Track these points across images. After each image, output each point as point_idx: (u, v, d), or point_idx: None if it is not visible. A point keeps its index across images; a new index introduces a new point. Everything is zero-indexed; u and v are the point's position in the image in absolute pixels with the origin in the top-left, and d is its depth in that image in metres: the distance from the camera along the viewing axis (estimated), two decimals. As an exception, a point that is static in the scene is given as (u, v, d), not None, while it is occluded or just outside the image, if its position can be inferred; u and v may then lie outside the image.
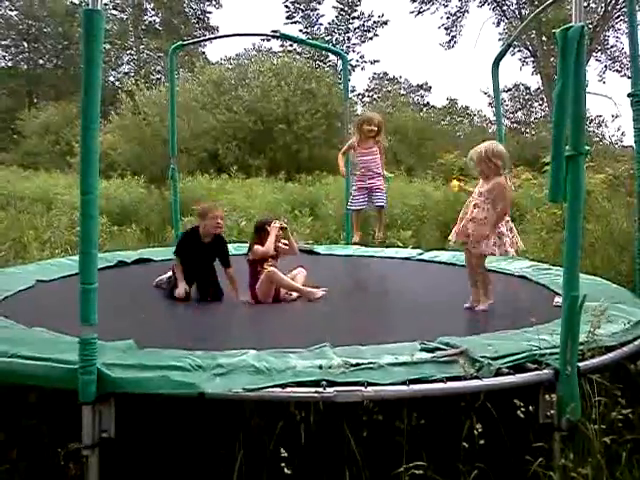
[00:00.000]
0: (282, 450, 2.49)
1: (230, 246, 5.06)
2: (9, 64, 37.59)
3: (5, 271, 5.29)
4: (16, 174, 18.00)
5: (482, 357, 2.70)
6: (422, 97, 38.98)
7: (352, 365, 2.63)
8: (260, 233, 4.66)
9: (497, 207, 4.05)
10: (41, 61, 38.72)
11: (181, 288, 4.59)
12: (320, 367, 2.62)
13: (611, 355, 2.96)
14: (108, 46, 34.74)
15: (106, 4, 33.08)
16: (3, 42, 37.07)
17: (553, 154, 2.56)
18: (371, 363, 2.66)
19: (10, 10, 37.04)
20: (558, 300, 3.65)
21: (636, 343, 3.16)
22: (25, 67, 38.25)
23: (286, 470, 2.48)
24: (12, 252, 7.49)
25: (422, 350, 2.83)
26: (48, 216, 10.07)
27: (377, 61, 38.82)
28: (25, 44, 37.89)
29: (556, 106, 2.55)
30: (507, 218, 4.21)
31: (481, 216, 4.09)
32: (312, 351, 2.83)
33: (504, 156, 4.11)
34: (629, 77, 4.27)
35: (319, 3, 37.14)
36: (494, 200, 4.06)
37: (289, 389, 2.52)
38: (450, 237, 4.41)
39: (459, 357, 2.73)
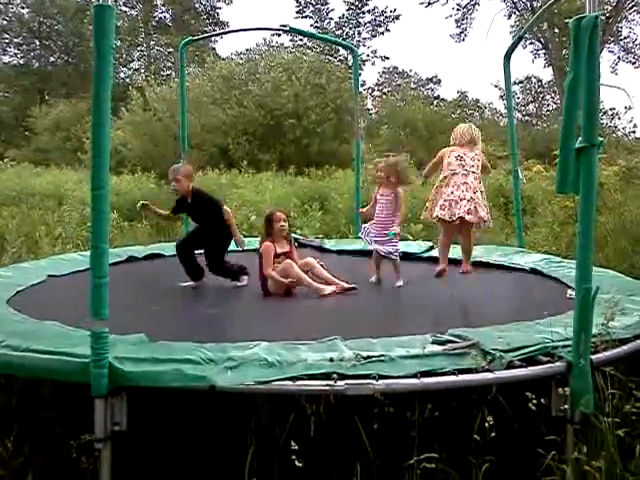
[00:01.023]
0: (293, 443, 2.49)
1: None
2: (21, 62, 37.78)
3: (17, 266, 5.33)
4: (28, 170, 18.10)
5: (494, 350, 2.69)
6: (432, 90, 38.79)
7: (363, 358, 2.63)
8: (267, 226, 4.68)
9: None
10: (52, 58, 38.86)
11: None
12: (331, 360, 2.62)
13: (625, 348, 2.93)
14: (119, 43, 34.81)
15: (116, 0, 33.16)
16: (15, 40, 37.25)
17: (561, 145, 2.54)
18: (382, 356, 2.65)
19: (22, 8, 37.22)
20: (571, 293, 3.63)
21: (650, 335, 3.13)
22: (36, 64, 38.42)
23: (297, 463, 2.48)
24: (24, 248, 7.54)
25: (434, 343, 2.82)
26: (59, 212, 10.12)
27: (387, 58, 38.45)
28: (36, 42, 38.07)
29: (566, 96, 2.53)
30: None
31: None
32: (323, 343, 2.84)
33: None
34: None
35: (329, -3, 37.03)
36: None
37: (300, 382, 2.52)
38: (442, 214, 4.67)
39: (471, 349, 2.72)
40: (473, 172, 4.63)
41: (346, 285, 4.57)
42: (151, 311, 4.04)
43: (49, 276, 4.95)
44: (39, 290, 4.57)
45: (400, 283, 4.81)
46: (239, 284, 4.94)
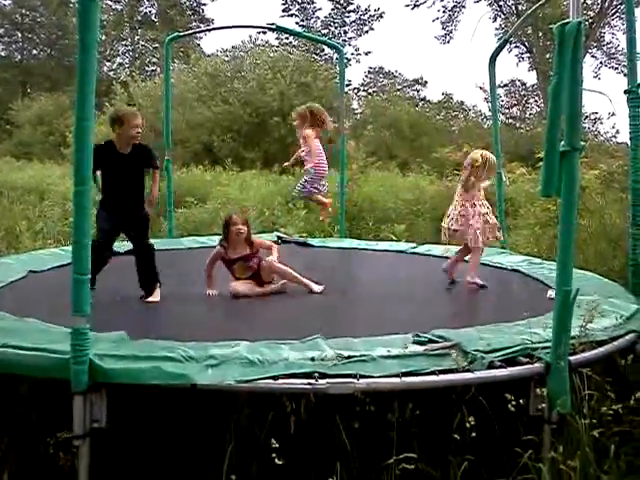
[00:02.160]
0: (273, 441, 2.49)
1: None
2: (2, 54, 37.33)
3: (-3, 261, 5.27)
4: (9, 164, 17.89)
5: (475, 350, 2.72)
6: (418, 92, 38.90)
7: (344, 357, 2.64)
8: (224, 230, 4.55)
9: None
10: (35, 51, 38.45)
11: None
12: (312, 359, 2.63)
13: (602, 349, 2.98)
14: (103, 37, 34.50)
15: (101, -6, 32.83)
16: (-3, 32, 36.81)
17: (546, 149, 2.57)
18: (363, 355, 2.67)
19: (4, 0, 36.78)
20: (551, 293, 3.67)
21: (627, 338, 3.18)
22: (19, 57, 37.97)
23: (277, 461, 2.49)
24: (4, 243, 7.46)
25: (415, 343, 2.84)
26: (41, 207, 10.02)
27: (370, 52, 38.58)
28: (19, 34, 37.61)
29: (551, 101, 2.56)
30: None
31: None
32: (305, 343, 2.84)
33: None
34: (625, 74, 4.28)
35: (316, -4, 37.00)
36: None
37: (281, 381, 2.52)
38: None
39: (452, 350, 2.74)
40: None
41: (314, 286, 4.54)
42: (132, 308, 4.02)
43: (30, 271, 4.90)
44: (19, 286, 4.51)
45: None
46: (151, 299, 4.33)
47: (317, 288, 4.50)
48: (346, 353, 2.67)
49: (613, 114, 27.09)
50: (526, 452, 2.53)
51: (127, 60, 38.33)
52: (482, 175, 4.77)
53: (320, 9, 37.37)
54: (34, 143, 26.20)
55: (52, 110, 27.16)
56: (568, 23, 2.50)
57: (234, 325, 3.74)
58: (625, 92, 4.22)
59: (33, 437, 2.78)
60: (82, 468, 2.47)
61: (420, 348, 2.78)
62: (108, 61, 37.09)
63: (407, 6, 30.60)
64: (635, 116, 4.20)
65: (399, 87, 37.50)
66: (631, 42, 4.22)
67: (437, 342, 2.83)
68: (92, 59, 2.43)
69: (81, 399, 2.46)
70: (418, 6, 30.59)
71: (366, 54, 38.69)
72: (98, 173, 4.22)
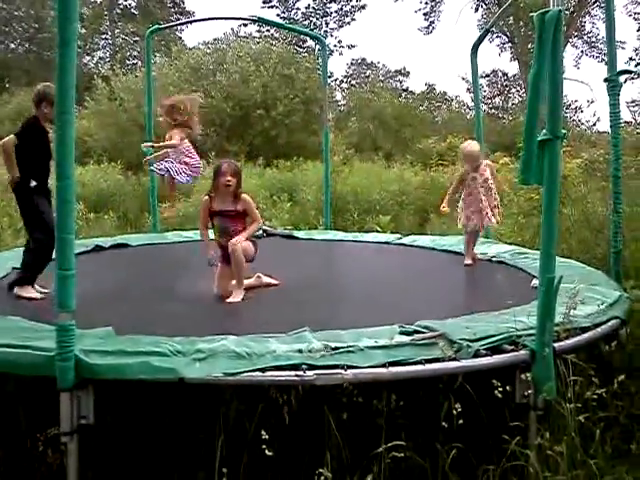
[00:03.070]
0: (263, 432, 2.50)
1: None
2: (-20, 48, 36.74)
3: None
4: (-11, 161, 17.65)
5: (460, 339, 2.74)
6: (400, 83, 38.91)
7: (332, 349, 2.65)
8: (213, 179, 4.26)
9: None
10: (12, 45, 37.86)
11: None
12: (300, 351, 2.63)
13: (585, 336, 3.02)
14: (83, 30, 34.06)
15: (79, -13, 32.38)
16: (-27, 25, 36.18)
17: (525, 137, 2.59)
18: (350, 346, 2.68)
19: (-20, -6, 36.13)
20: (535, 282, 3.70)
21: (610, 324, 3.23)
22: (-4, 52, 37.39)
23: (267, 452, 2.49)
24: (-14, 240, 7.38)
25: (401, 333, 2.86)
26: (23, 203, 9.89)
27: (354, 46, 38.48)
28: (-5, 28, 37.02)
29: (530, 89, 2.58)
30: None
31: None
32: (292, 336, 2.84)
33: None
34: (606, 63, 4.32)
35: (297, -14, 36.79)
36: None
37: (269, 373, 2.53)
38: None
39: (438, 339, 2.76)
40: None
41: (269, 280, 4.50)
42: (117, 304, 3.99)
43: (13, 268, 4.84)
44: (2, 283, 4.47)
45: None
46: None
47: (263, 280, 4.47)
48: (333, 344, 2.68)
49: (593, 102, 27.29)
50: (513, 439, 2.56)
51: (108, 54, 37.89)
52: (466, 165, 4.97)
53: (300, 0, 37.11)
54: (14, 139, 25.85)
55: (31, 105, 26.82)
56: (548, 12, 2.52)
57: (220, 319, 3.73)
58: (605, 80, 4.26)
59: (21, 435, 2.76)
60: (71, 465, 2.46)
61: (406, 338, 2.79)
62: (88, 55, 36.63)
63: (389, -4, 30.56)
64: (614, 104, 4.25)
65: (382, 78, 37.47)
66: (610, 31, 4.25)
67: (423, 332, 2.85)
68: (72, 53, 2.40)
69: (68, 396, 2.45)
70: (401, -3, 30.56)
71: (349, 47, 38.59)
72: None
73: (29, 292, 4.08)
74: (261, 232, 7.24)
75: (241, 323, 3.53)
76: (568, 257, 4.82)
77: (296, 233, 7.26)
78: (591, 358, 3.06)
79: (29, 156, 4.16)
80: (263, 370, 2.53)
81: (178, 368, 2.49)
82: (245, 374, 2.50)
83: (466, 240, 5.27)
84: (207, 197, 4.26)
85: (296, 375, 2.52)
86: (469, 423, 2.65)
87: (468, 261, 5.19)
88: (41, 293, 4.09)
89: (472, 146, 5.23)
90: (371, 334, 2.84)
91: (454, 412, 2.58)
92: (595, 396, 2.73)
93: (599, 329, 3.13)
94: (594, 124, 26.73)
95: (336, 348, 2.66)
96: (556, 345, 2.74)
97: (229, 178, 4.15)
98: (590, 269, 4.47)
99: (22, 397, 2.93)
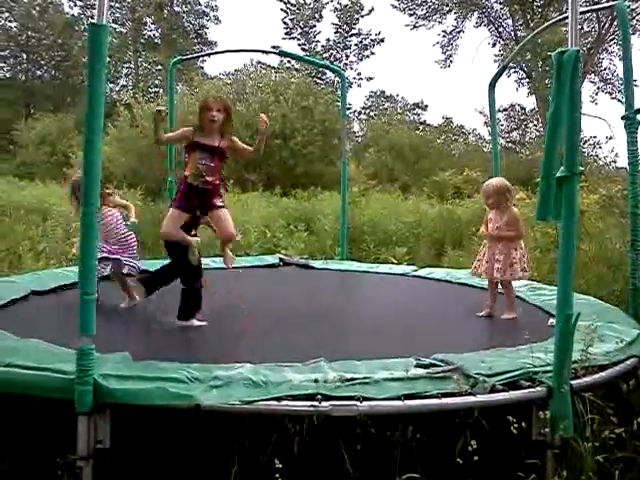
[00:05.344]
0: (277, 462, 2.49)
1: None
2: (7, 75, 37.68)
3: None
4: (12, 184, 17.97)
5: (476, 374, 2.73)
6: (418, 115, 39.24)
7: (347, 380, 2.65)
8: (199, 116, 3.97)
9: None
10: (39, 72, 38.83)
11: None
12: (315, 381, 2.64)
13: (603, 374, 2.98)
14: (108, 59, 34.89)
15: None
16: (1, 53, 37.18)
17: (543, 173, 2.61)
18: (366, 378, 2.68)
19: (9, 21, 37.20)
20: (552, 321, 3.68)
21: (628, 362, 3.19)
22: (23, 78, 38.34)
23: (280, 483, 2.48)
24: (6, 263, 7.47)
25: (417, 366, 2.85)
26: (44, 226, 10.04)
27: (372, 78, 38.97)
28: (24, 55, 38.03)
29: (549, 127, 2.61)
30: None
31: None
32: (308, 366, 2.85)
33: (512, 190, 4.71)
34: (619, 100, 4.36)
35: (318, 21, 37.45)
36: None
37: (284, 402, 2.53)
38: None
39: (453, 373, 2.75)
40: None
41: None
42: (133, 329, 4.02)
43: (33, 292, 4.91)
44: (22, 306, 4.52)
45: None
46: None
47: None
48: (349, 375, 2.68)
49: (611, 138, 27.27)
50: (529, 477, 2.53)
51: (130, 82, 38.70)
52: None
53: (320, 32, 37.74)
54: (37, 163, 26.34)
55: (55, 131, 27.38)
56: (566, 51, 2.56)
57: (236, 347, 3.73)
58: (622, 118, 4.28)
59: (37, 458, 2.77)
60: (85, 489, 2.47)
61: (422, 371, 2.79)
62: (112, 83, 37.45)
63: (407, 26, 30.98)
64: (633, 142, 4.26)
65: (400, 111, 37.82)
66: (627, 68, 4.29)
67: (439, 366, 2.84)
68: (101, 83, 2.48)
69: (85, 420, 2.46)
70: (417, 27, 30.96)
71: (368, 80, 39.07)
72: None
73: (192, 323, 4.12)
74: (277, 260, 7.29)
75: (256, 351, 3.53)
76: (586, 293, 4.78)
77: (312, 263, 7.28)
78: (609, 397, 3.02)
79: None
80: (279, 399, 2.53)
81: (195, 394, 2.50)
82: (261, 402, 2.51)
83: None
84: (191, 128, 3.93)
85: (311, 405, 2.52)
86: (484, 459, 2.62)
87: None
88: (199, 321, 4.15)
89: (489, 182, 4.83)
90: (386, 366, 2.84)
91: (469, 448, 2.56)
92: (614, 435, 2.69)
93: (617, 367, 3.10)
94: (613, 160, 26.68)
95: (351, 379, 2.66)
96: (573, 382, 2.72)
97: (214, 113, 3.84)
98: (608, 306, 4.43)
99: (39, 420, 2.95)
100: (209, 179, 3.87)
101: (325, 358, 2.91)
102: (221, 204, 3.96)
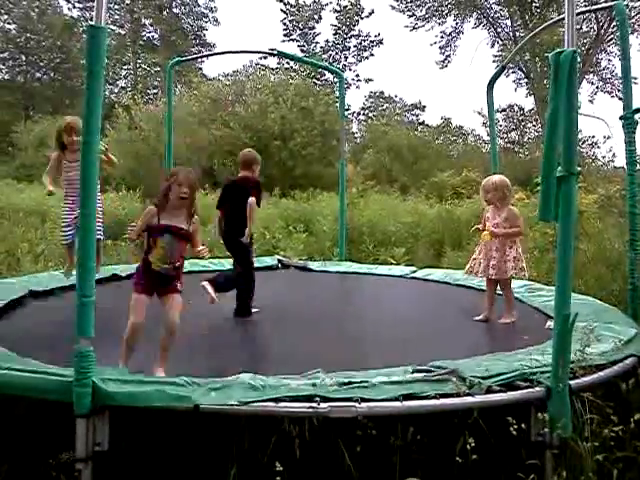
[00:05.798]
0: (277, 464, 2.49)
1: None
2: (6, 77, 37.66)
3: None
4: (11, 187, 17.96)
5: (472, 377, 2.73)
6: (417, 116, 39.22)
7: (345, 384, 2.65)
8: (165, 188, 3.31)
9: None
10: (38, 74, 38.80)
11: None
12: (314, 385, 2.63)
13: (602, 373, 2.99)
14: (106, 61, 34.89)
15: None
16: (0, 55, 37.16)
17: (543, 174, 2.61)
18: (364, 382, 2.68)
19: (8, 23, 37.18)
20: (550, 324, 3.69)
21: (627, 362, 3.19)
22: (22, 80, 38.32)
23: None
24: (5, 265, 7.46)
25: (414, 372, 2.85)
26: (42, 229, 10.04)
27: (371, 80, 38.86)
28: (22, 57, 38.01)
29: (547, 127, 2.61)
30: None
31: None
32: (305, 377, 2.82)
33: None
34: (620, 98, 4.37)
35: (317, 22, 37.43)
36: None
37: (283, 404, 2.53)
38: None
39: (450, 376, 2.75)
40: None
41: None
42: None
43: (30, 291, 4.91)
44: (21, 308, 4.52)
45: None
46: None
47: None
48: (347, 380, 2.68)
49: (609, 137, 27.29)
50: (528, 477, 2.53)
51: (129, 84, 38.69)
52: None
53: (320, 33, 37.68)
54: (36, 165, 26.30)
55: (54, 133, 27.35)
56: (563, 52, 2.56)
57: (233, 357, 3.67)
58: (620, 118, 4.29)
59: (34, 459, 2.77)
60: (84, 491, 2.46)
61: (420, 375, 2.79)
62: (110, 84, 37.43)
63: (406, 27, 30.98)
64: (631, 141, 4.27)
65: (399, 112, 37.81)
66: (626, 69, 4.30)
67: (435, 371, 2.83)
68: (99, 85, 2.49)
69: (84, 422, 2.46)
70: (416, 29, 30.96)
71: (367, 81, 39.05)
72: None
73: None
74: (276, 262, 7.29)
75: (253, 361, 3.50)
76: (584, 293, 4.78)
77: (310, 265, 7.27)
78: (608, 396, 3.02)
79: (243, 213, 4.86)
80: (277, 400, 2.53)
81: (194, 396, 2.50)
82: (259, 404, 2.51)
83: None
84: (154, 207, 3.34)
85: (310, 407, 2.52)
86: (484, 460, 2.62)
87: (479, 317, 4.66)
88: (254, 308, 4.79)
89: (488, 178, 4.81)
90: (384, 373, 2.83)
91: (468, 447, 2.56)
92: (613, 434, 2.69)
93: (615, 367, 3.10)
94: (611, 160, 26.70)
95: (350, 382, 2.66)
96: (572, 382, 2.72)
97: (186, 190, 3.32)
98: (606, 306, 4.43)
99: (36, 423, 2.94)
100: (176, 264, 3.37)
101: (322, 370, 2.86)
102: (179, 288, 3.39)
